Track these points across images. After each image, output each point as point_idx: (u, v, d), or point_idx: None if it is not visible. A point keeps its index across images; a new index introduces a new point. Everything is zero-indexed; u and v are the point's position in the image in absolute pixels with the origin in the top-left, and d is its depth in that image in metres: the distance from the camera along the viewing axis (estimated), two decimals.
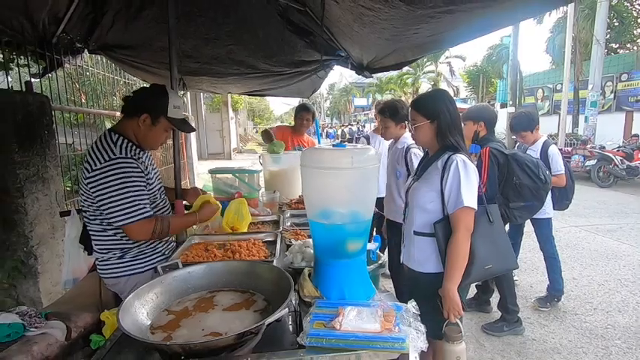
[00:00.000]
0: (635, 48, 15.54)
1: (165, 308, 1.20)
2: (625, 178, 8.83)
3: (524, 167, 2.33)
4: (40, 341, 1.14)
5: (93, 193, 1.45)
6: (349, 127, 27.85)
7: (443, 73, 28.54)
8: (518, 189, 2.34)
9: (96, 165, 1.43)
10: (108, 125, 4.07)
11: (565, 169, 2.98)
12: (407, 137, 2.48)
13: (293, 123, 3.63)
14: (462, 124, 2.70)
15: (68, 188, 3.17)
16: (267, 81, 3.54)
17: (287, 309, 1.00)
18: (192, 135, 7.87)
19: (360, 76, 3.19)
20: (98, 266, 1.62)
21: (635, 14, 15.47)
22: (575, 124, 14.60)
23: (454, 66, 28.71)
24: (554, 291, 3.15)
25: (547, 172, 2.41)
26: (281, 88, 3.88)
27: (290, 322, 1.26)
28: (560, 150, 3.14)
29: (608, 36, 14.10)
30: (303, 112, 3.48)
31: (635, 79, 13.56)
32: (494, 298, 3.14)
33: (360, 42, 2.44)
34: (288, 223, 2.13)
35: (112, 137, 1.53)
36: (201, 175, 7.54)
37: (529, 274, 3.83)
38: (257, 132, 31.22)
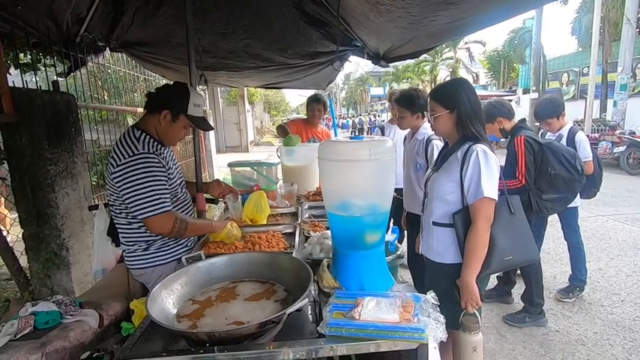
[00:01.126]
0: None
1: (190, 298, 1.25)
2: None
3: (560, 158, 2.25)
4: (76, 328, 1.21)
5: (118, 187, 1.51)
6: (359, 117, 28.11)
7: (462, 59, 27.73)
8: (553, 180, 2.26)
9: (120, 160, 1.49)
10: (129, 121, 4.20)
11: (593, 155, 2.88)
12: (427, 128, 2.41)
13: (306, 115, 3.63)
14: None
15: (94, 183, 3.30)
16: (282, 73, 3.56)
17: (307, 299, 1.02)
18: None
19: (377, 66, 3.14)
20: (125, 258, 1.69)
21: None
22: (603, 109, 13.98)
23: (473, 52, 27.82)
24: (577, 281, 3.07)
25: (583, 163, 2.32)
26: (297, 80, 3.89)
27: (310, 312, 1.29)
28: (587, 136, 3.00)
29: None
30: (314, 104, 3.46)
31: None
32: (516, 290, 3.09)
33: (376, 31, 2.41)
34: (306, 215, 2.15)
35: (135, 133, 1.58)
36: (220, 168, 7.65)
37: (552, 265, 3.74)
38: (273, 124, 31.41)
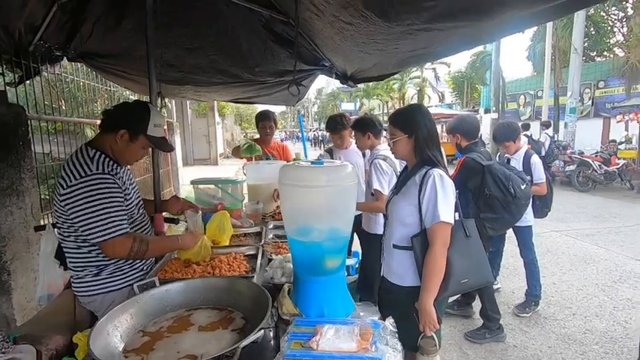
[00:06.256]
0: (611, 56, 16.10)
1: (140, 329, 1.18)
2: (603, 183, 9.11)
3: (496, 179, 2.37)
4: None
5: (68, 209, 1.41)
6: (321, 131, 31.02)
7: (428, 78, 28.98)
8: (488, 200, 2.38)
9: (71, 181, 1.40)
10: (88, 132, 4.00)
11: (545, 177, 3.06)
12: (379, 148, 2.55)
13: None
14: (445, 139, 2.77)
15: (47, 197, 3.09)
16: (251, 89, 3.53)
17: (262, 331, 0.99)
18: (177, 141, 7.79)
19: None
20: (73, 284, 1.58)
21: (611, 23, 16.04)
22: (556, 129, 14.99)
23: (439, 72, 29.21)
24: (532, 296, 3.21)
25: (521, 187, 2.43)
26: (266, 96, 3.86)
27: (272, 338, 1.25)
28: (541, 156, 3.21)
29: (586, 44, 14.58)
30: (264, 121, 3.36)
31: (611, 86, 14.07)
32: (477, 305, 3.18)
33: (342, 54, 2.46)
34: (270, 236, 2.12)
35: (89, 152, 1.50)
36: (184, 185, 7.28)
37: (511, 280, 3.90)
38: (245, 136, 31.16)
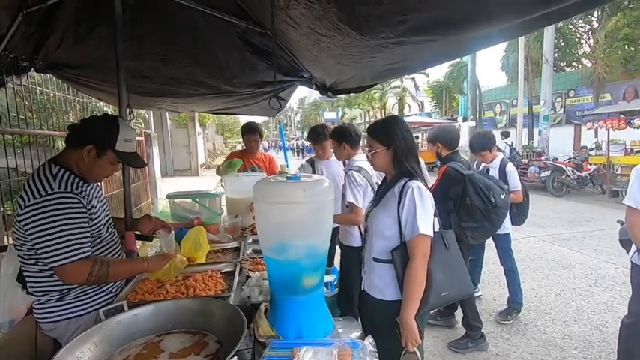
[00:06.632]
0: (579, 66, 16.87)
1: (105, 359, 1.10)
2: (576, 188, 9.45)
3: (477, 189, 2.40)
4: None
5: (26, 230, 1.33)
6: (302, 140, 31.92)
7: (408, 88, 29.58)
8: (469, 209, 2.41)
9: (30, 200, 1.32)
10: (60, 145, 3.85)
11: (521, 185, 3.13)
12: (355, 159, 2.52)
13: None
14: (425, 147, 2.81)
15: (12, 212, 2.93)
16: (229, 100, 3.48)
17: (235, 358, 0.94)
18: (155, 152, 7.61)
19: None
20: (34, 310, 1.48)
21: (578, 36, 16.86)
22: (531, 136, 15.54)
23: (418, 81, 29.88)
24: (514, 303, 3.25)
25: (501, 196, 2.46)
26: (245, 107, 3.82)
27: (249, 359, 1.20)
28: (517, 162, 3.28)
29: (556, 55, 15.24)
30: (249, 135, 3.37)
31: (580, 95, 14.73)
32: (460, 312, 3.18)
33: (320, 65, 2.46)
34: (249, 251, 2.06)
35: (52, 170, 1.42)
36: (161, 199, 7.06)
37: (492, 287, 3.94)
38: (226, 146, 30.95)
